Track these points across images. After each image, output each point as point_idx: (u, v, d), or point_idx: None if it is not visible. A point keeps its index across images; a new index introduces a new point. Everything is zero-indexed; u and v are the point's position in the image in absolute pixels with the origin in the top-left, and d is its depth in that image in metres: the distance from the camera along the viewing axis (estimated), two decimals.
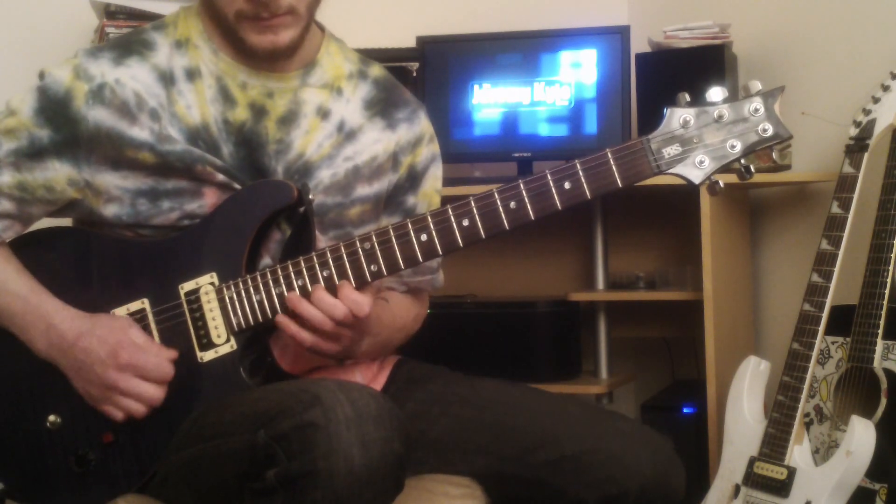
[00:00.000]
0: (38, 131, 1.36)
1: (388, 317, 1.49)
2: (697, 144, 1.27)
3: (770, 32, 2.56)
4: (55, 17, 2.49)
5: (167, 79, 1.39)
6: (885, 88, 2.06)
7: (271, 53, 1.38)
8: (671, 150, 1.28)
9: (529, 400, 1.46)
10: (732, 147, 1.27)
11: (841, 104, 2.27)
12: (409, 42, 2.67)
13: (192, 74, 1.40)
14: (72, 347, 1.34)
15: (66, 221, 1.50)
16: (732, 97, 1.28)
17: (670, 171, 1.28)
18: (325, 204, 1.44)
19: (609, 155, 1.28)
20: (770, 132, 1.27)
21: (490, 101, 2.63)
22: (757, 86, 1.28)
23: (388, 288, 1.56)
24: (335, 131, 1.46)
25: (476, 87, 2.63)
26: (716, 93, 1.28)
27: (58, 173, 1.37)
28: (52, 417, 1.38)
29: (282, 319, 1.32)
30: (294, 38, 1.37)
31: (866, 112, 2.07)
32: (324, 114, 1.45)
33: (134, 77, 1.38)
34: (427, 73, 2.63)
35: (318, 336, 1.32)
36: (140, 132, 1.36)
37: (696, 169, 1.28)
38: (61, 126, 1.36)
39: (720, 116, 1.27)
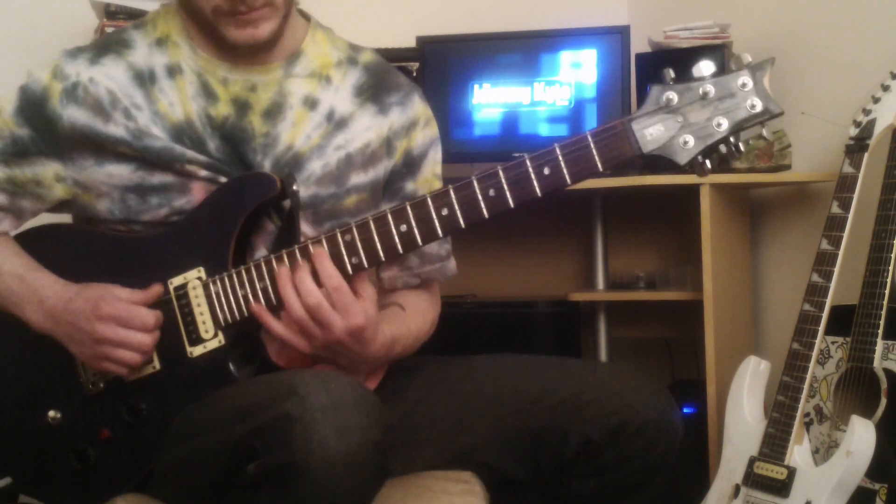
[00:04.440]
0: (19, 131, 1.39)
1: (404, 330, 1.46)
2: (681, 124, 1.23)
3: (770, 32, 2.56)
4: (55, 17, 2.50)
5: (146, 78, 1.40)
6: (885, 88, 2.06)
7: (251, 47, 1.38)
8: (653, 131, 1.23)
9: (524, 363, 1.46)
10: (719, 125, 1.22)
11: (841, 104, 2.27)
12: (409, 42, 2.67)
13: (173, 71, 1.40)
14: (63, 313, 1.36)
15: (66, 217, 1.52)
16: (721, 72, 1.23)
17: (653, 151, 1.23)
18: (318, 195, 1.43)
19: (589, 138, 1.24)
20: (759, 108, 1.21)
21: (490, 101, 2.63)
22: (747, 58, 1.23)
23: (403, 285, 1.54)
24: (324, 121, 1.44)
25: (476, 87, 2.63)
26: (706, 66, 1.23)
27: (46, 169, 1.40)
28: (52, 413, 1.40)
29: (256, 308, 1.32)
30: (274, 30, 1.36)
31: (866, 112, 2.06)
32: (311, 104, 1.44)
33: (108, 75, 1.39)
34: (427, 73, 2.63)
35: (289, 327, 1.31)
36: (115, 129, 1.37)
37: (680, 150, 1.23)
38: (40, 125, 1.39)
39: (705, 94, 1.22)
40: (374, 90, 1.49)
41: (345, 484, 1.11)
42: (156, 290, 1.36)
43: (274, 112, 1.42)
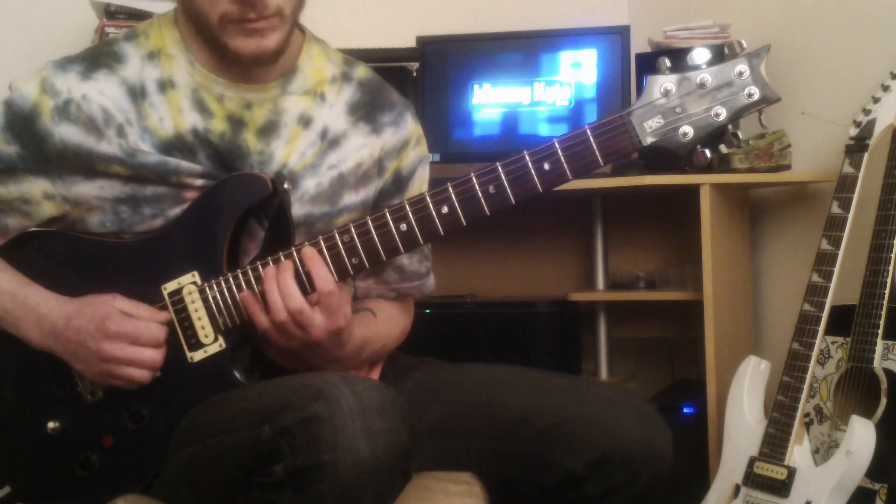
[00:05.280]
0: (7, 147, 1.35)
1: (374, 334, 1.48)
2: (680, 115, 1.22)
3: (770, 33, 2.55)
4: (55, 17, 2.50)
5: (137, 93, 1.36)
6: (885, 88, 2.06)
7: (257, 59, 1.34)
8: (653, 123, 1.23)
9: (514, 377, 1.45)
10: (717, 115, 1.22)
11: (841, 104, 2.27)
12: (409, 42, 2.67)
13: (165, 85, 1.37)
14: (64, 331, 1.34)
15: None
16: (717, 59, 1.22)
17: (653, 144, 1.23)
18: (312, 214, 1.42)
19: (588, 132, 1.24)
20: (757, 96, 1.21)
21: (490, 101, 2.63)
22: (743, 44, 1.22)
23: (377, 296, 1.55)
24: (318, 139, 1.43)
25: (476, 87, 2.63)
26: (700, 54, 1.23)
27: (33, 186, 1.36)
28: (51, 424, 1.38)
29: (244, 297, 1.32)
30: (280, 43, 1.33)
31: (866, 112, 2.07)
32: (305, 122, 1.42)
33: (101, 92, 1.35)
34: (427, 73, 2.63)
35: (273, 325, 1.31)
36: (108, 147, 1.34)
37: (680, 141, 1.23)
38: (28, 142, 1.34)
39: (703, 83, 1.22)
40: (368, 108, 1.48)
41: (370, 486, 1.12)
42: (164, 315, 1.35)
43: (268, 130, 1.40)
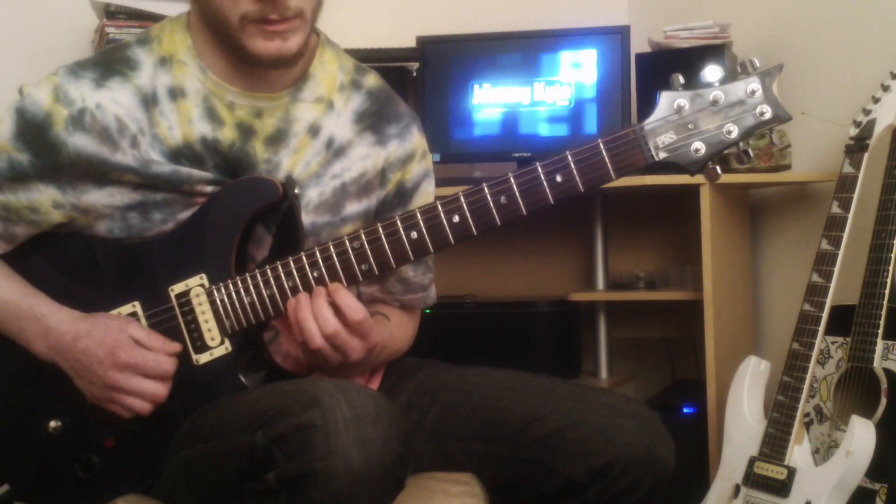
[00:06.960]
0: (18, 155, 1.33)
1: (388, 338, 1.48)
2: (693, 131, 1.23)
3: (770, 32, 2.56)
4: (55, 17, 2.49)
5: (149, 101, 1.35)
6: (885, 88, 2.06)
7: (277, 62, 1.32)
8: (665, 139, 1.24)
9: (517, 382, 1.44)
10: (729, 132, 1.23)
11: (841, 104, 2.27)
12: (409, 42, 2.67)
13: (175, 93, 1.36)
14: (71, 349, 1.33)
15: None
16: (729, 77, 1.24)
17: (665, 159, 1.24)
18: (316, 223, 1.42)
19: (601, 146, 1.24)
20: (769, 115, 1.23)
21: (490, 101, 2.63)
22: (755, 63, 1.24)
23: (380, 304, 1.55)
24: (323, 148, 1.42)
25: (476, 87, 2.63)
26: (712, 72, 1.24)
27: (42, 195, 1.35)
28: (52, 423, 1.37)
29: (291, 305, 1.31)
30: (301, 45, 1.31)
31: (866, 112, 2.07)
32: (314, 131, 1.42)
33: (115, 101, 1.33)
34: (427, 73, 2.63)
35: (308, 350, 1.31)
36: (123, 157, 1.33)
37: (691, 157, 1.24)
38: (41, 151, 1.33)
39: (716, 101, 1.23)
40: (375, 118, 1.47)
41: (363, 494, 1.11)
42: (175, 347, 1.34)
43: (277, 139, 1.39)
